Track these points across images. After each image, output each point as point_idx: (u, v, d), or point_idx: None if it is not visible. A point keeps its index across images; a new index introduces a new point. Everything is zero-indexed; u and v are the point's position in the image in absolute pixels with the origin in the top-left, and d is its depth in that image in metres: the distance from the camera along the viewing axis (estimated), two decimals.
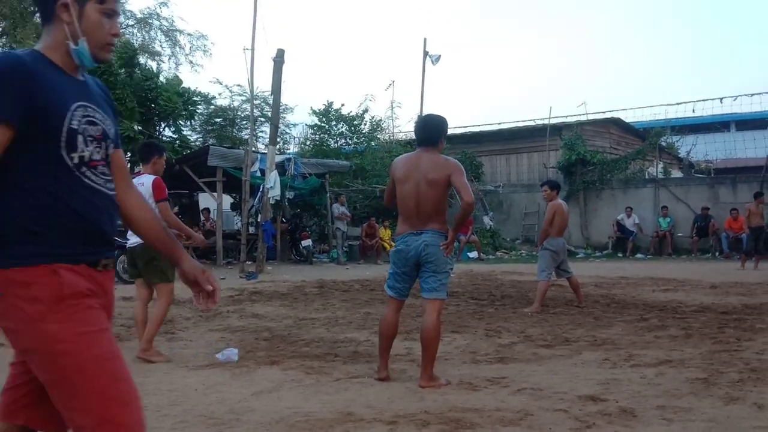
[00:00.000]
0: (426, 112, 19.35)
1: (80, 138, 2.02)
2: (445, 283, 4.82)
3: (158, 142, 7.54)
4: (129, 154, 18.41)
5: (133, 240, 6.00)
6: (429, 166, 4.81)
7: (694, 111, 24.84)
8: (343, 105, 24.84)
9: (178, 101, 18.29)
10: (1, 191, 1.96)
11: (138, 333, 6.18)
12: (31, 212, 1.95)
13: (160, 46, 25.41)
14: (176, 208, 18.29)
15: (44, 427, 2.13)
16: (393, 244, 17.17)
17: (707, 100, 27.35)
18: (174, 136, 19.82)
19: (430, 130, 5.01)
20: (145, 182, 5.94)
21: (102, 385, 1.94)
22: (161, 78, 19.38)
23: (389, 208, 5.31)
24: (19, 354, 2.05)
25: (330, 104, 24.50)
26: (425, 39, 21.87)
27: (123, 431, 1.94)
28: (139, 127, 17.11)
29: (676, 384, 4.73)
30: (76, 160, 2.01)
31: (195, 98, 20.15)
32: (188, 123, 20.93)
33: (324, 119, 24.53)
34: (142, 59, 19.82)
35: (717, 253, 19.18)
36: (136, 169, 6.39)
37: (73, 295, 1.95)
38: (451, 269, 4.92)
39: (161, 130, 19.51)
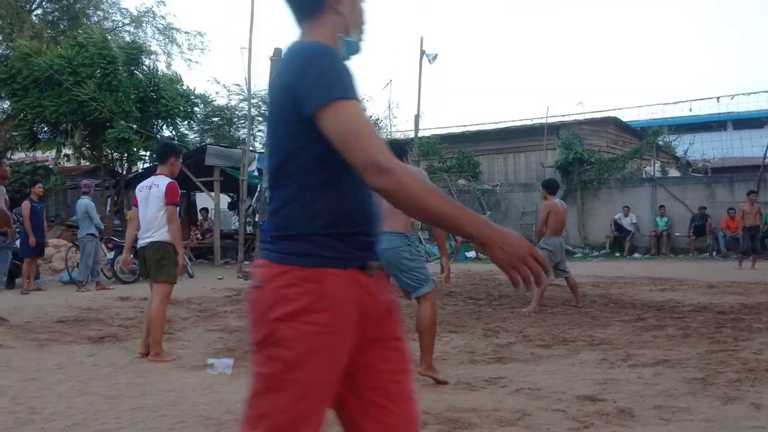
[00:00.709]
0: (423, 110, 19.32)
1: None
2: (421, 277, 4.78)
3: (177, 144, 7.58)
4: (126, 155, 18.45)
5: (143, 240, 6.07)
6: None
7: (691, 110, 24.88)
8: None
9: (180, 102, 18.26)
10: (290, 186, 1.88)
11: (144, 332, 6.17)
12: (312, 210, 1.86)
13: (158, 44, 25.38)
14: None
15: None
16: None
17: (704, 99, 27.33)
18: (171, 135, 19.78)
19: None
20: (159, 184, 6.03)
21: (291, 402, 1.84)
22: (161, 77, 19.34)
23: None
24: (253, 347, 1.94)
25: None
26: (422, 38, 21.85)
27: None
28: (135, 126, 17.07)
29: (674, 384, 4.74)
30: None
31: (195, 99, 20.13)
32: (186, 123, 20.92)
33: None
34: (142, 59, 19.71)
35: (714, 253, 19.19)
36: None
37: (326, 309, 1.83)
38: (422, 264, 4.86)
39: (159, 129, 19.48)
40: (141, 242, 6.10)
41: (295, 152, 1.86)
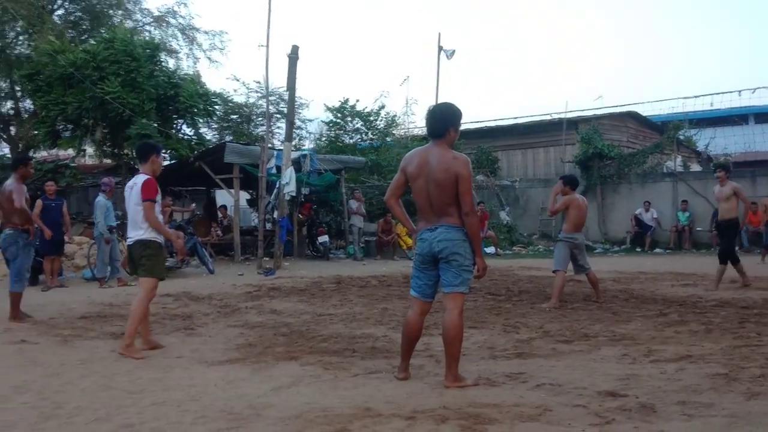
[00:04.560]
0: None
1: None
2: (465, 278, 4.67)
3: (156, 142, 7.69)
4: None
5: (129, 239, 6.25)
6: (436, 165, 4.67)
7: (712, 104, 24.60)
8: (358, 101, 24.85)
9: (198, 101, 18.36)
10: None
11: (141, 327, 6.25)
12: None
13: (178, 44, 25.51)
14: (193, 205, 18.41)
15: None
16: (409, 240, 16.99)
17: (725, 92, 27.10)
18: (191, 133, 19.91)
19: (436, 121, 4.84)
20: (138, 182, 6.18)
21: None
22: (181, 76, 19.44)
23: (388, 204, 5.14)
24: None
25: (345, 101, 24.51)
26: (439, 34, 22.01)
27: None
28: (156, 125, 17.19)
29: (697, 379, 4.70)
30: None
31: (214, 99, 20.22)
32: (206, 121, 21.01)
33: (339, 115, 24.53)
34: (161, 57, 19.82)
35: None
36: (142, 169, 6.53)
37: None
38: (473, 264, 4.73)
39: (179, 127, 19.59)
40: (128, 241, 6.31)
41: None
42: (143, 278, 6.19)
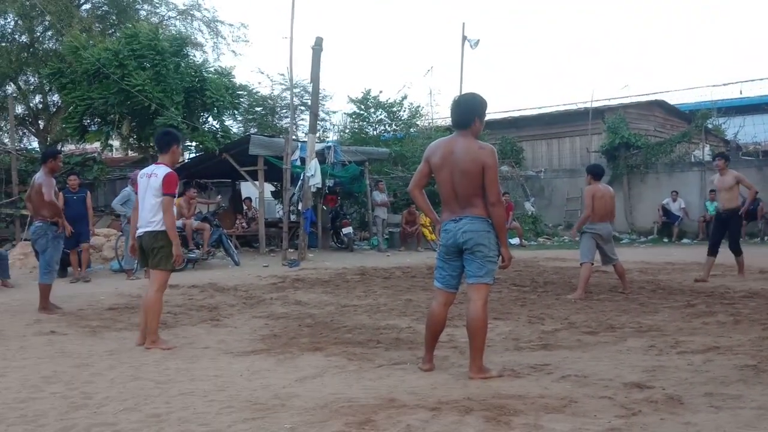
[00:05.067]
0: None
1: None
2: (490, 269, 4.65)
3: (177, 131, 7.50)
4: None
5: (140, 230, 6.14)
6: (462, 155, 4.65)
7: (741, 92, 24.23)
8: (381, 92, 24.82)
9: (225, 94, 18.46)
10: None
11: (140, 320, 6.21)
12: None
13: (203, 37, 25.67)
14: (219, 197, 18.56)
15: None
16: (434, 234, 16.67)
17: (755, 80, 26.63)
18: (216, 126, 20.04)
19: (462, 111, 4.80)
20: (158, 173, 6.05)
21: None
22: (209, 69, 19.54)
23: (412, 194, 5.09)
24: None
25: (368, 92, 24.50)
26: (463, 23, 21.76)
27: None
28: (180, 118, 17.31)
29: (725, 371, 4.64)
30: None
31: (240, 92, 20.33)
32: (232, 113, 21.12)
33: (362, 107, 24.53)
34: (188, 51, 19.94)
35: (766, 238, 18.73)
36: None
37: None
38: (498, 255, 4.72)
39: (205, 119, 19.72)
40: (138, 232, 6.16)
41: None
42: (155, 270, 6.07)
